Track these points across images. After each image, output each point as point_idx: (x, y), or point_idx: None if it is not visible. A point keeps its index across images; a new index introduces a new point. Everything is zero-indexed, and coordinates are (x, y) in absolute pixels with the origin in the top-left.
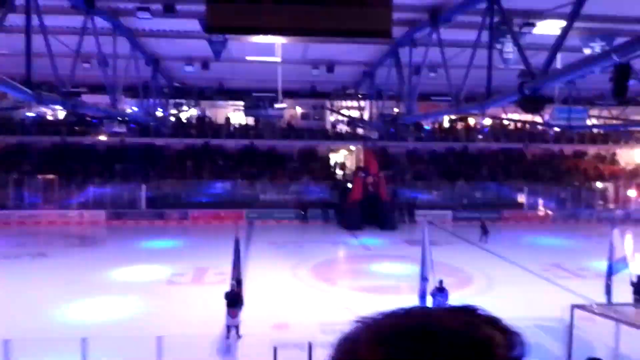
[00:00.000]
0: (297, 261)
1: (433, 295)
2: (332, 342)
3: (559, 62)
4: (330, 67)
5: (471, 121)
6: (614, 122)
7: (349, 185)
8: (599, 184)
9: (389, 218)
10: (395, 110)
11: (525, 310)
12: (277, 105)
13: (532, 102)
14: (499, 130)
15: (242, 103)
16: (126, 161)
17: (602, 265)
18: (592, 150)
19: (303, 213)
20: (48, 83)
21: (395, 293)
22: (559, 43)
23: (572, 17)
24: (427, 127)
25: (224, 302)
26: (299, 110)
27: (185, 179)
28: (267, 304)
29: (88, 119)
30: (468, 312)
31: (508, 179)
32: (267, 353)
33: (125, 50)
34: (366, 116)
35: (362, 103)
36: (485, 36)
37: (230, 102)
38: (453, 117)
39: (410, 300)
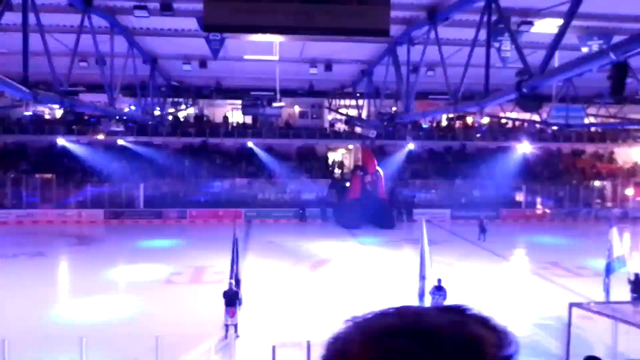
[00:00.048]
0: (296, 260)
1: (432, 293)
2: (323, 342)
3: (556, 61)
4: (328, 66)
5: (469, 120)
6: (612, 120)
7: (347, 184)
8: (596, 183)
9: (387, 217)
10: (393, 108)
11: (524, 308)
12: (275, 104)
13: (530, 101)
14: (496, 129)
15: (240, 102)
16: (124, 160)
17: (600, 263)
18: (590, 148)
19: (301, 212)
20: (45, 82)
21: (394, 291)
22: (556, 41)
23: (570, 15)
24: (425, 125)
25: (222, 301)
26: (297, 109)
27: (184, 178)
28: (266, 303)
29: (86, 118)
30: (459, 312)
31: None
32: (266, 352)
33: (123, 49)
34: (364, 115)
35: (360, 102)
36: (483, 35)
37: (228, 101)
38: (451, 115)
39: (409, 298)
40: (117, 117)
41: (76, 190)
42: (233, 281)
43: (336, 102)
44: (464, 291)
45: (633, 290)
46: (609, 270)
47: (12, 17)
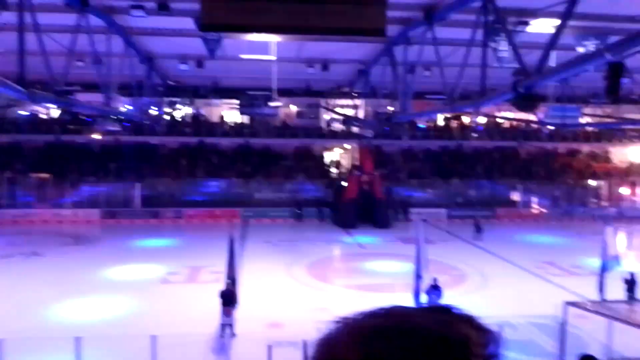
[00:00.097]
0: (292, 259)
1: (428, 293)
2: (312, 342)
3: (552, 61)
4: (325, 66)
5: (465, 120)
6: (608, 120)
7: (344, 183)
8: (592, 182)
9: (384, 216)
10: (390, 108)
11: (519, 307)
12: (272, 104)
13: (526, 101)
14: (493, 129)
15: (236, 101)
16: (120, 160)
17: (595, 262)
18: (585, 148)
19: (298, 211)
20: (41, 81)
21: (390, 291)
22: (552, 41)
23: (566, 15)
24: (421, 125)
25: (218, 300)
26: (293, 108)
27: (180, 178)
28: (262, 303)
29: (82, 117)
30: (445, 312)
31: (502, 177)
32: (262, 351)
33: (120, 49)
34: (361, 115)
35: (357, 101)
36: (479, 35)
37: (225, 101)
38: (447, 115)
39: (404, 298)
40: (114, 117)
41: (72, 189)
42: (229, 281)
43: (333, 102)
44: (459, 290)
45: (628, 289)
46: (604, 269)
47: (8, 17)
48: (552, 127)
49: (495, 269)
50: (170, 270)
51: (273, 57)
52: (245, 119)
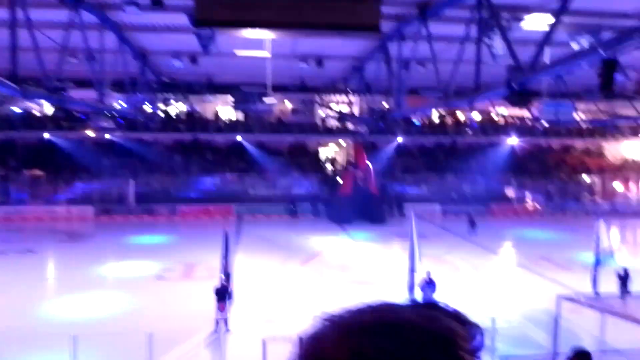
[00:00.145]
0: (287, 255)
1: (422, 287)
2: (297, 339)
3: (546, 57)
4: (319, 62)
5: (460, 116)
6: (601, 116)
7: (339, 179)
8: (586, 178)
9: (379, 212)
10: (385, 104)
11: (513, 302)
12: (266, 100)
13: (520, 97)
14: (487, 125)
15: (231, 98)
16: (114, 156)
17: (589, 257)
18: (579, 144)
19: (293, 207)
20: (34, 78)
21: (384, 286)
22: (546, 38)
23: (560, 11)
24: (416, 121)
25: (213, 296)
26: (288, 105)
27: (174, 174)
28: (257, 298)
29: (75, 114)
30: (430, 307)
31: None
32: (257, 347)
33: (113, 45)
34: (355, 111)
35: (352, 98)
36: (474, 31)
37: (219, 97)
38: (442, 111)
39: (399, 292)
40: (107, 113)
41: (66, 186)
42: (224, 276)
43: (328, 98)
44: (453, 285)
45: (621, 284)
46: (597, 264)
47: (0, 13)
48: (546, 123)
49: (489, 263)
50: (164, 266)
51: (267, 53)
52: (239, 115)
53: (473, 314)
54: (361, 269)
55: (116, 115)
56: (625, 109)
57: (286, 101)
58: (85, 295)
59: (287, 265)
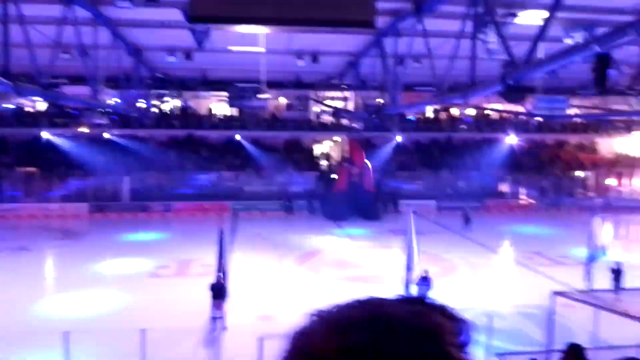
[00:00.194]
0: (282, 252)
1: (418, 284)
2: (286, 335)
3: (541, 52)
4: (314, 58)
5: (455, 111)
6: (595, 111)
7: (334, 175)
8: (579, 173)
9: (374, 208)
10: (380, 100)
11: (507, 297)
12: (261, 96)
13: (514, 92)
14: (482, 121)
15: (225, 94)
16: (108, 153)
17: (583, 252)
18: (573, 139)
19: (288, 204)
20: (27, 74)
21: (380, 282)
22: (541, 33)
23: (554, 7)
24: (411, 117)
25: (208, 294)
26: (283, 101)
27: (169, 171)
28: (253, 295)
29: (68, 110)
30: (418, 302)
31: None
32: (253, 344)
33: (106, 41)
34: (350, 107)
35: (347, 94)
36: (468, 26)
37: (214, 93)
38: (437, 107)
39: (395, 289)
40: (101, 110)
41: (59, 183)
42: (220, 274)
43: (323, 94)
44: (449, 281)
45: (614, 279)
46: (591, 259)
47: None
48: (540, 119)
49: (483, 259)
50: (159, 264)
51: (262, 49)
52: (234, 112)
53: (468, 310)
54: (357, 265)
55: (110, 111)
56: (619, 104)
57: (281, 97)
58: (79, 292)
59: (283, 262)
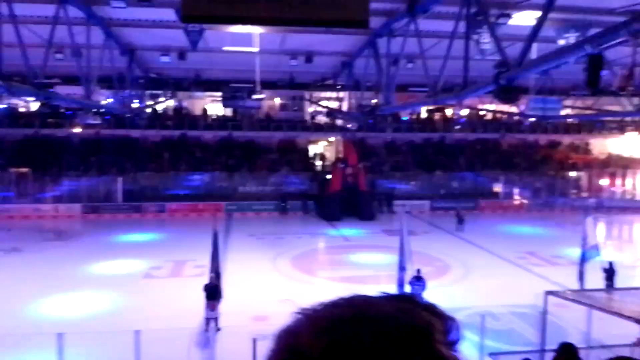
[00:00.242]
0: (277, 253)
1: (411, 284)
2: (272, 334)
3: (534, 53)
4: (308, 58)
5: (448, 112)
6: (587, 112)
7: (328, 176)
8: (572, 173)
9: (368, 208)
10: (374, 101)
11: (501, 297)
12: (255, 96)
13: (507, 93)
14: (475, 121)
15: (219, 94)
16: (102, 153)
17: (575, 252)
18: (566, 140)
19: (282, 205)
20: (20, 74)
21: (374, 283)
22: (534, 34)
23: (547, 8)
24: (405, 118)
25: (202, 294)
26: (277, 101)
27: (163, 172)
28: (247, 296)
29: (62, 110)
30: (406, 300)
31: (484, 169)
32: (247, 345)
33: (100, 40)
34: (345, 107)
35: (341, 94)
36: (462, 27)
37: (208, 93)
38: (430, 107)
39: (388, 289)
40: (94, 110)
41: (52, 184)
42: (213, 274)
43: (317, 94)
44: (442, 281)
45: (607, 278)
46: (583, 259)
47: None
48: (533, 119)
49: (477, 259)
50: (153, 264)
51: (256, 49)
52: (228, 112)
53: (462, 310)
54: (351, 266)
55: (103, 111)
56: (611, 105)
57: (275, 98)
58: (72, 294)
59: (277, 262)
